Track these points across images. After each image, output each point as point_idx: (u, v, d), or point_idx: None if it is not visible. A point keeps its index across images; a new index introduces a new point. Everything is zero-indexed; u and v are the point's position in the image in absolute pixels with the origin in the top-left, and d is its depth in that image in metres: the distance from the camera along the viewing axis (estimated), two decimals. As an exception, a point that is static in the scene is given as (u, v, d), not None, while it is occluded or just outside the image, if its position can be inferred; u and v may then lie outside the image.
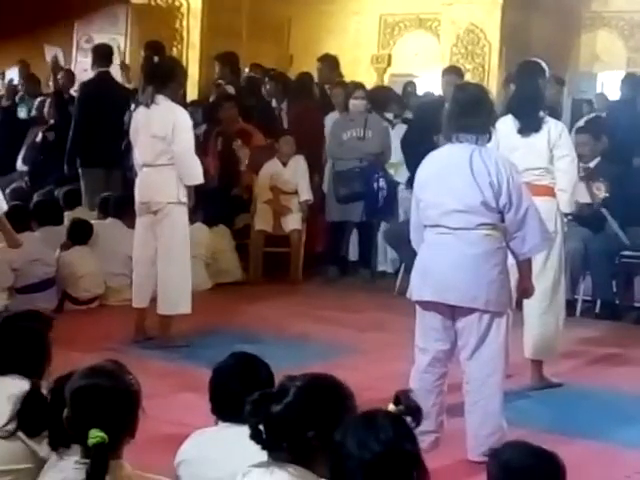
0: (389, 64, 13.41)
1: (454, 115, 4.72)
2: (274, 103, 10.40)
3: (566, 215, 6.24)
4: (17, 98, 11.40)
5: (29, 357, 3.36)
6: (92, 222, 8.14)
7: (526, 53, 9.09)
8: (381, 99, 9.87)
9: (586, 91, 12.34)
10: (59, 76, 10.85)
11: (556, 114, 7.20)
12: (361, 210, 9.25)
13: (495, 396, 4.63)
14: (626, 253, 8.13)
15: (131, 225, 7.22)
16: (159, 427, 4.28)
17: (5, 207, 6.60)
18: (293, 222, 9.28)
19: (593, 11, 12.84)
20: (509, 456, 2.52)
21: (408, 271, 5.82)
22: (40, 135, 10.33)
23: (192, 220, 7.46)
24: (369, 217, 9.33)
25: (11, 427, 3.10)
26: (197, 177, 6.76)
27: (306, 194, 9.28)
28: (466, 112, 4.67)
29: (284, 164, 9.31)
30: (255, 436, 2.63)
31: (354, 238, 9.67)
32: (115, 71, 9.83)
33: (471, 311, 4.58)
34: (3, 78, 12.29)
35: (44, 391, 3.16)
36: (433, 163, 4.79)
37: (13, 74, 11.98)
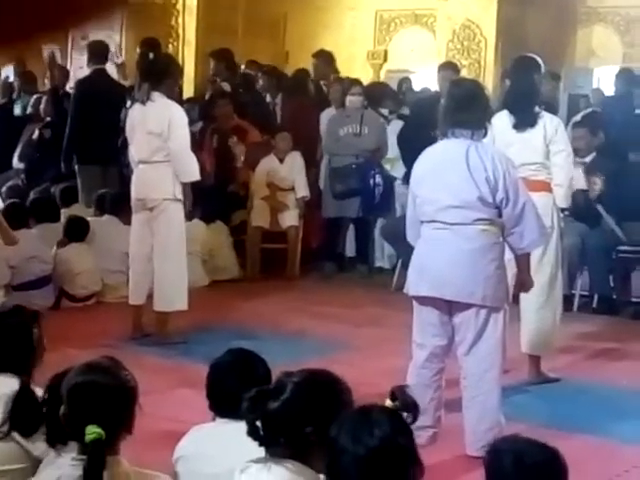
0: (385, 60, 13.39)
1: (450, 110, 4.72)
2: (268, 98, 10.40)
3: (563, 210, 6.23)
4: (14, 95, 11.38)
5: (16, 354, 3.34)
6: (89, 219, 8.13)
7: (522, 48, 9.06)
8: (376, 95, 9.87)
9: (582, 86, 12.33)
10: (55, 73, 10.83)
11: (552, 109, 7.19)
12: (357, 206, 9.26)
13: (493, 391, 4.63)
14: (623, 248, 8.14)
15: (128, 222, 7.22)
16: (156, 423, 4.29)
17: (1, 204, 6.59)
18: (290, 218, 9.28)
19: (589, 6, 12.83)
20: (508, 451, 2.51)
21: (405, 267, 5.80)
22: (36, 132, 10.31)
23: (189, 217, 7.46)
24: (365, 213, 9.33)
25: (5, 428, 3.10)
26: (193, 174, 6.76)
27: (303, 190, 9.28)
28: (462, 107, 4.67)
29: (281, 160, 9.31)
30: (252, 432, 2.63)
31: (351, 234, 9.68)
32: (111, 68, 9.81)
33: (468, 306, 4.58)
34: (-1, 75, 12.27)
35: (35, 388, 3.17)
36: (429, 159, 4.79)
37: (9, 72, 11.95)
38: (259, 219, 9.28)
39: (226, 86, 10.47)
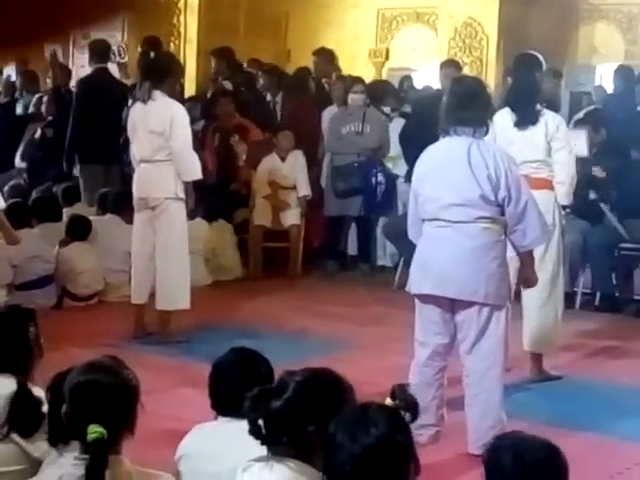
0: (387, 58, 13.38)
1: (451, 108, 4.71)
2: (269, 97, 10.40)
3: (564, 208, 6.24)
4: (16, 95, 11.38)
5: (12, 355, 3.34)
6: (91, 218, 8.13)
7: (524, 46, 9.05)
8: (378, 93, 9.86)
9: (584, 84, 12.33)
10: (57, 72, 10.84)
11: (554, 107, 7.19)
12: (359, 205, 9.26)
13: (495, 389, 4.63)
14: (625, 245, 8.13)
15: (130, 221, 7.22)
16: (158, 422, 4.29)
17: (3, 204, 6.59)
18: (292, 217, 9.28)
19: (591, 3, 12.82)
20: (507, 448, 2.51)
21: (407, 265, 5.81)
22: (39, 131, 10.31)
23: (191, 216, 7.47)
24: (367, 212, 9.33)
25: (4, 430, 3.11)
26: (195, 173, 6.76)
27: (305, 189, 9.28)
28: (463, 105, 4.67)
29: (282, 159, 9.31)
30: (254, 431, 2.63)
31: (353, 233, 9.68)
32: (113, 67, 9.80)
33: (470, 304, 4.58)
34: (1, 75, 12.27)
35: (34, 388, 3.17)
36: (431, 157, 4.79)
37: (11, 71, 11.96)
38: (261, 218, 9.28)
39: (228, 84, 10.48)
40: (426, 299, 4.70)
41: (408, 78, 11.04)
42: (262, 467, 2.64)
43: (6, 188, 9.63)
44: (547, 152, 5.88)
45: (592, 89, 11.48)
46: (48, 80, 11.14)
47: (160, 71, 6.78)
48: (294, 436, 2.59)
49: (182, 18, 12.79)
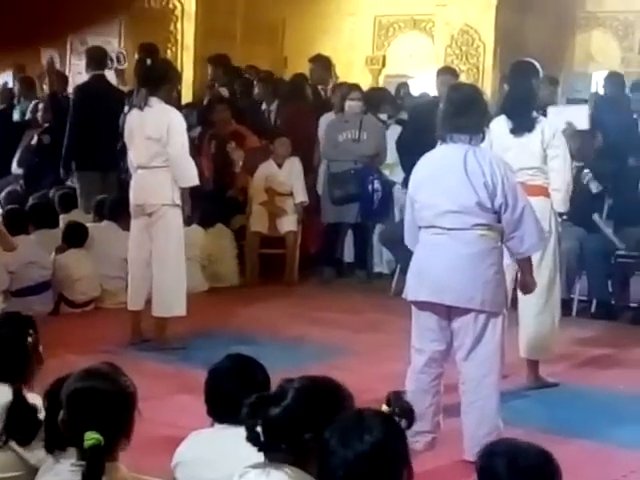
0: (384, 65, 13.42)
1: (448, 115, 4.72)
2: (264, 106, 10.42)
3: (561, 215, 6.24)
4: (14, 101, 11.39)
5: (9, 363, 3.33)
6: (87, 225, 8.13)
7: (521, 53, 9.08)
8: (375, 100, 9.87)
9: (581, 91, 12.33)
10: (53, 78, 10.85)
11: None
12: (356, 211, 9.26)
13: (491, 396, 4.63)
14: (621, 253, 8.13)
15: (126, 228, 7.22)
16: (155, 429, 4.29)
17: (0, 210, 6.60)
18: (288, 224, 9.29)
19: (587, 11, 12.86)
20: (501, 454, 2.51)
21: (404, 272, 5.81)
22: (35, 138, 10.32)
23: (188, 222, 7.47)
24: (364, 218, 9.33)
25: (2, 438, 3.11)
26: (192, 179, 6.77)
27: (301, 196, 9.28)
28: (460, 112, 4.67)
29: (279, 166, 9.32)
30: (252, 438, 2.63)
31: (349, 240, 9.68)
32: (110, 74, 9.81)
33: (467, 311, 4.58)
34: (-2, 81, 12.28)
35: (32, 395, 3.17)
36: (428, 164, 4.80)
37: (8, 77, 11.97)
38: (257, 224, 9.28)
39: (224, 91, 10.50)
40: (423, 306, 4.70)
41: (404, 85, 11.07)
42: (259, 474, 2.64)
43: (3, 194, 9.64)
44: (543, 159, 5.88)
45: (588, 96, 11.49)
46: (45, 86, 11.14)
47: (157, 78, 6.78)
48: (291, 443, 2.59)
49: (179, 25, 12.81)
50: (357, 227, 9.47)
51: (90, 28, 12.81)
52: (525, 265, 4.88)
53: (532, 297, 5.49)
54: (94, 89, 9.18)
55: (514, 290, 5.53)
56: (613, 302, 8.18)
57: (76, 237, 7.90)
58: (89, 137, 9.01)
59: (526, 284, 4.95)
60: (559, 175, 5.92)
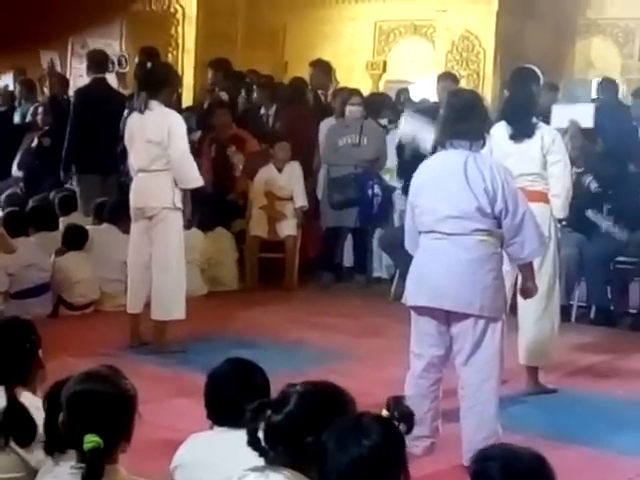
0: (384, 70, 13.42)
1: (448, 121, 4.73)
2: (262, 110, 10.43)
3: (560, 221, 6.25)
4: (15, 103, 11.39)
5: (9, 366, 3.33)
6: (87, 228, 8.13)
7: (521, 60, 9.08)
8: (375, 105, 9.88)
9: (581, 97, 12.35)
10: (54, 81, 10.86)
11: (550, 120, 7.22)
12: (355, 216, 9.26)
13: (490, 401, 4.63)
14: (621, 259, 8.14)
15: (126, 231, 7.22)
16: (154, 432, 4.28)
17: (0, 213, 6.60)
18: (288, 228, 9.29)
19: (588, 18, 12.87)
20: (495, 458, 2.51)
21: (403, 277, 5.82)
22: (35, 140, 10.32)
23: (188, 225, 7.46)
24: (363, 223, 9.33)
25: (2, 440, 3.12)
26: (195, 180, 6.78)
27: (301, 200, 9.28)
28: (460, 118, 4.68)
29: (279, 170, 9.32)
30: (253, 443, 2.63)
31: (349, 244, 9.68)
32: (111, 77, 9.81)
33: (466, 316, 4.58)
34: (-2, 84, 12.28)
35: (28, 398, 3.17)
36: (428, 169, 4.80)
37: (8, 80, 11.96)
38: (257, 228, 9.28)
39: (224, 95, 10.50)
40: (422, 311, 4.70)
41: (405, 91, 11.08)
42: (257, 477, 2.64)
43: (3, 197, 9.64)
44: (543, 165, 5.89)
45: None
46: (45, 89, 11.15)
47: (157, 81, 6.79)
48: (292, 446, 2.59)
49: (180, 29, 12.83)
50: (356, 232, 9.47)
51: (89, 29, 12.82)
52: (526, 271, 4.89)
53: (531, 303, 5.49)
54: (95, 92, 9.19)
55: (513, 296, 5.54)
56: (612, 308, 8.18)
57: (76, 240, 7.91)
58: (89, 140, 9.01)
59: (527, 290, 4.95)
60: (559, 181, 5.93)
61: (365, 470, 2.34)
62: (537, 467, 2.50)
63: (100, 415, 2.66)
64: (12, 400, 3.16)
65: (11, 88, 11.70)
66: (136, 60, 9.98)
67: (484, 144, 4.81)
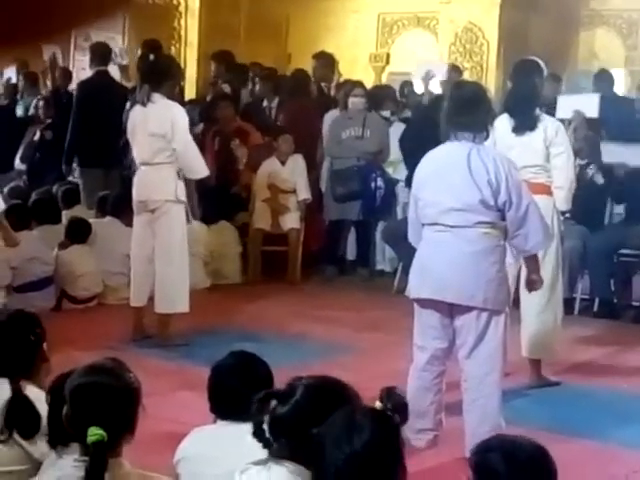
0: (387, 63, 13.39)
1: (452, 113, 4.72)
2: (265, 103, 10.42)
3: (564, 213, 6.23)
4: (18, 96, 11.39)
5: (11, 359, 3.33)
6: (90, 221, 8.13)
7: (524, 51, 9.08)
8: (378, 97, 9.86)
9: (584, 89, 12.31)
10: (56, 74, 10.85)
11: (554, 111, 7.21)
12: (358, 209, 9.25)
13: (493, 394, 4.63)
14: (624, 251, 8.14)
15: (129, 224, 7.22)
16: (157, 425, 4.28)
17: (3, 206, 6.60)
18: (291, 221, 9.28)
19: (591, 9, 12.83)
20: (496, 449, 2.51)
21: (406, 270, 5.82)
22: (37, 134, 10.32)
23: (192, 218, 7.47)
24: (366, 216, 9.33)
25: (5, 432, 3.12)
26: (202, 171, 6.78)
27: (304, 193, 9.28)
28: (463, 110, 4.67)
29: (282, 163, 9.31)
30: (258, 434, 2.63)
31: (352, 237, 9.68)
32: (114, 70, 9.81)
33: (469, 309, 4.58)
34: (1, 77, 12.26)
35: (32, 391, 3.18)
36: (431, 162, 4.79)
37: (11, 73, 11.95)
38: (260, 221, 9.28)
39: (227, 88, 10.49)
40: (425, 304, 4.70)
41: (408, 83, 11.03)
42: (260, 470, 2.64)
43: (6, 190, 9.64)
44: (546, 157, 5.88)
45: (593, 95, 11.45)
46: (48, 82, 11.14)
47: (159, 74, 6.78)
48: (295, 438, 2.59)
49: (183, 21, 12.81)
50: (359, 224, 9.47)
51: (91, 23, 12.81)
52: (531, 263, 4.89)
53: (534, 296, 5.49)
54: (97, 85, 9.19)
55: (516, 289, 5.53)
56: (615, 301, 8.17)
57: (79, 233, 7.91)
58: (92, 133, 9.01)
59: (532, 282, 4.95)
60: (562, 173, 5.92)
61: (361, 465, 2.34)
62: (539, 456, 2.50)
63: (104, 408, 2.66)
64: (16, 392, 3.17)
65: (14, 81, 11.69)
66: (138, 53, 9.97)
67: (488, 136, 4.80)
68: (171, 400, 5.26)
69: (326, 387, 2.68)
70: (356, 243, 9.64)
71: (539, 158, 5.86)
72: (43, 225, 8.01)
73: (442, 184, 4.63)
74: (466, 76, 10.52)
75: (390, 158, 9.45)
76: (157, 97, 6.64)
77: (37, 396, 3.16)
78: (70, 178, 9.52)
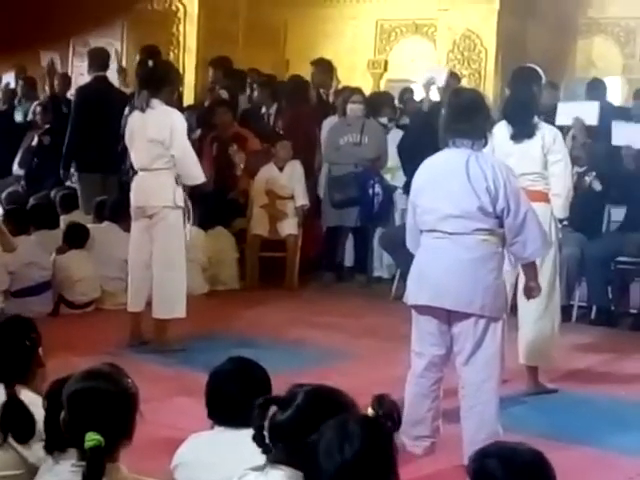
0: (385, 69, 13.41)
1: (450, 120, 4.72)
2: (263, 109, 10.43)
3: (561, 221, 6.24)
4: (16, 101, 11.39)
5: (8, 364, 3.33)
6: (88, 226, 8.13)
7: (522, 59, 9.09)
8: (375, 104, 9.87)
9: (582, 97, 12.34)
10: (55, 80, 10.85)
11: (552, 119, 7.22)
12: (356, 215, 9.25)
13: (491, 401, 4.62)
14: (622, 259, 8.13)
15: (127, 229, 7.21)
16: (155, 431, 4.28)
17: (0, 211, 6.60)
18: (289, 227, 9.28)
19: (589, 17, 12.85)
20: (494, 455, 2.51)
21: (404, 276, 5.82)
22: (35, 139, 10.32)
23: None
24: (364, 222, 9.33)
25: (1, 436, 3.12)
26: (199, 177, 6.79)
27: (302, 199, 9.28)
28: (462, 117, 4.67)
29: (280, 169, 9.32)
30: (258, 439, 2.63)
31: (350, 244, 9.68)
32: (112, 75, 9.81)
33: (467, 316, 4.58)
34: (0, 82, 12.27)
35: (27, 396, 3.17)
36: (430, 168, 4.79)
37: (9, 78, 11.96)
38: (258, 227, 9.28)
39: (224, 93, 10.49)
40: (423, 310, 4.70)
41: (408, 90, 11.02)
42: (258, 475, 2.64)
43: (4, 195, 9.64)
44: (543, 165, 5.88)
45: (590, 102, 11.45)
46: (46, 88, 11.14)
47: (158, 80, 6.78)
48: (293, 444, 2.59)
49: (181, 27, 12.82)
50: (357, 231, 9.47)
51: (91, 32, 12.80)
52: (529, 270, 4.89)
53: (532, 303, 5.48)
54: (96, 90, 9.19)
55: (514, 296, 5.53)
56: (613, 308, 8.17)
57: (77, 238, 7.90)
58: (90, 138, 9.01)
59: (530, 289, 4.95)
60: (559, 180, 5.92)
61: (353, 473, 2.35)
62: (538, 462, 2.50)
63: (101, 413, 2.66)
64: (11, 396, 3.17)
65: (12, 86, 11.69)
66: (137, 59, 9.97)
67: (486, 143, 4.80)
68: (169, 406, 5.26)
69: (326, 394, 2.68)
70: (354, 249, 9.64)
71: (537, 166, 5.87)
72: (41, 230, 8.01)
73: (440, 191, 4.63)
74: (464, 83, 10.52)
75: (388, 164, 9.45)
76: (156, 103, 6.64)
77: (32, 401, 3.16)
78: (68, 183, 9.53)
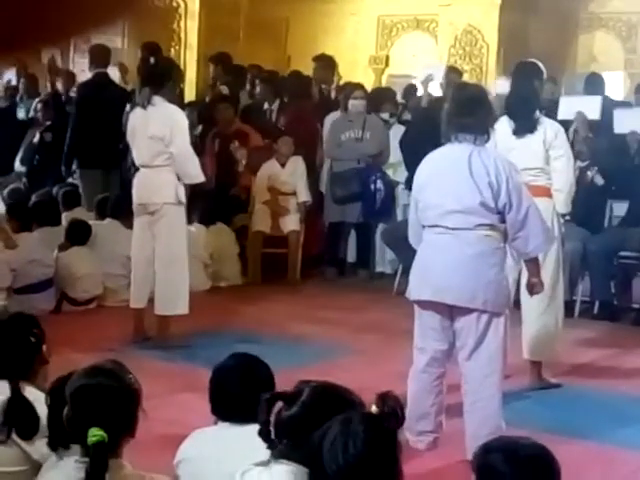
0: (387, 65, 13.41)
1: (453, 115, 4.71)
2: (265, 105, 10.42)
3: (563, 215, 6.24)
4: (17, 98, 11.39)
5: (11, 361, 3.34)
6: (90, 223, 8.13)
7: (524, 54, 9.08)
8: (377, 100, 9.87)
9: (582, 91, 12.33)
10: (59, 77, 10.85)
11: (553, 114, 7.21)
12: (358, 211, 9.26)
13: (494, 396, 4.62)
14: (624, 254, 8.13)
15: (129, 226, 7.22)
16: (158, 427, 4.27)
17: (2, 208, 6.61)
18: (291, 223, 9.28)
19: (591, 12, 12.84)
20: (498, 449, 2.51)
21: (406, 272, 5.81)
22: (37, 136, 10.32)
23: (190, 220, 7.46)
24: (366, 218, 9.33)
25: (4, 433, 3.12)
26: (197, 176, 6.77)
27: (304, 195, 9.28)
28: (464, 112, 4.66)
29: (282, 165, 9.31)
30: (264, 434, 2.63)
31: (352, 239, 9.68)
32: (113, 72, 9.81)
33: (469, 311, 4.58)
34: (1, 79, 12.26)
35: (31, 392, 3.18)
36: (432, 164, 4.79)
37: (11, 75, 11.95)
38: (260, 223, 9.28)
39: (225, 89, 10.49)
40: (425, 305, 4.70)
41: (413, 87, 10.99)
42: (261, 471, 2.64)
43: (6, 192, 9.64)
44: (545, 160, 5.88)
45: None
46: (47, 84, 11.15)
47: (159, 76, 6.78)
48: (300, 440, 2.59)
49: (182, 23, 12.82)
50: (359, 227, 9.48)
51: (92, 30, 12.79)
52: (532, 266, 4.88)
53: (535, 298, 5.47)
54: (97, 87, 9.19)
55: (517, 291, 5.53)
56: (616, 303, 8.17)
57: (79, 235, 7.90)
58: (92, 135, 9.01)
59: (533, 285, 4.94)
60: (562, 175, 5.92)
61: (357, 470, 2.35)
62: (542, 455, 2.51)
63: (105, 409, 2.66)
64: (15, 393, 3.17)
65: (14, 83, 11.69)
66: (138, 55, 9.97)
67: (489, 138, 4.79)
68: (172, 402, 5.26)
69: (332, 392, 2.69)
70: (356, 245, 9.64)
71: (539, 161, 5.86)
72: (43, 227, 8.01)
73: (443, 186, 4.62)
74: (465, 79, 10.51)
75: (390, 160, 9.45)
76: (158, 100, 6.64)
77: (36, 397, 3.17)
78: (70, 180, 9.53)
